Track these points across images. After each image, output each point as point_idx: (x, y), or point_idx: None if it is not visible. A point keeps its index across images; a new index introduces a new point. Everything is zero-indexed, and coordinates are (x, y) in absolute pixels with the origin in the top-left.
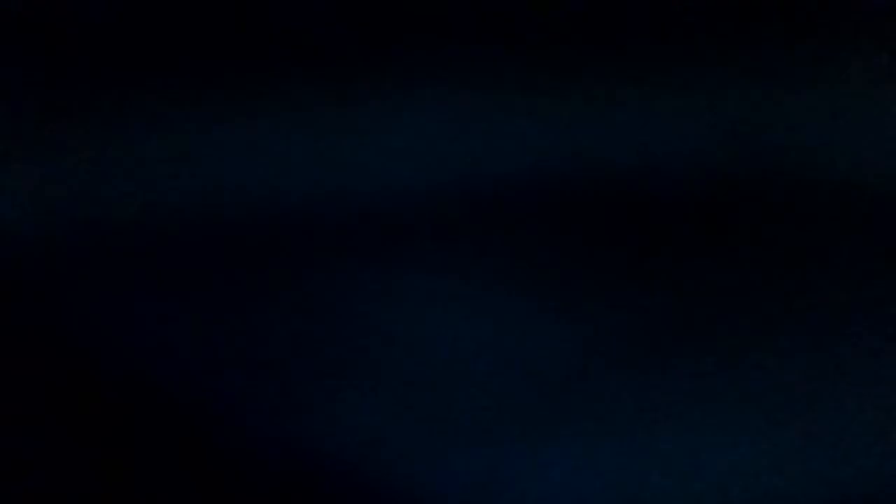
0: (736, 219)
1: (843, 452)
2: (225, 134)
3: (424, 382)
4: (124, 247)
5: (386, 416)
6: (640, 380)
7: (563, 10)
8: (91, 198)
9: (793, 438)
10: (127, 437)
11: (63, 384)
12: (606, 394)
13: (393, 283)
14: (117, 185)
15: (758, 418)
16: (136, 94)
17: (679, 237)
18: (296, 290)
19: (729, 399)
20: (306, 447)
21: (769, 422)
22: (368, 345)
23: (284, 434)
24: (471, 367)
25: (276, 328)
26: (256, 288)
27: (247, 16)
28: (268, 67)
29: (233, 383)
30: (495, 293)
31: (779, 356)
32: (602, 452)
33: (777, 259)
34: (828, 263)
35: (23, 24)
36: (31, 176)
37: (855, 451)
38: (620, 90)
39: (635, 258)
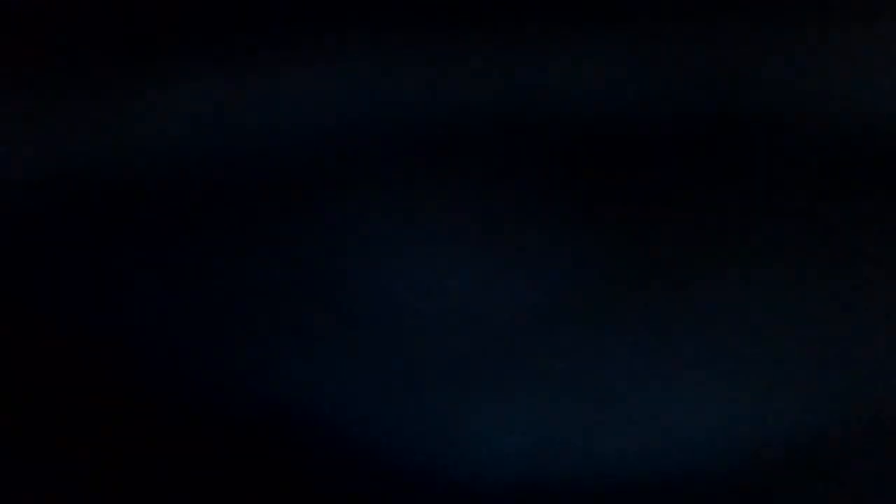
0: (715, 163)
1: (808, 405)
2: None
3: (391, 332)
4: (96, 200)
5: (352, 368)
6: (608, 329)
7: None
8: (66, 154)
9: (757, 391)
10: (100, 388)
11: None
12: (573, 344)
13: (361, 230)
14: (93, 141)
15: (722, 370)
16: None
17: (654, 181)
18: (260, 242)
19: (696, 351)
20: (275, 400)
21: (733, 374)
22: (333, 296)
23: (253, 387)
24: (437, 316)
25: (243, 280)
26: (218, 239)
27: None
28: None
29: (202, 333)
30: (466, 239)
31: (748, 309)
32: (566, 405)
33: (753, 207)
34: (804, 208)
35: None
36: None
37: (820, 400)
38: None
39: (610, 202)
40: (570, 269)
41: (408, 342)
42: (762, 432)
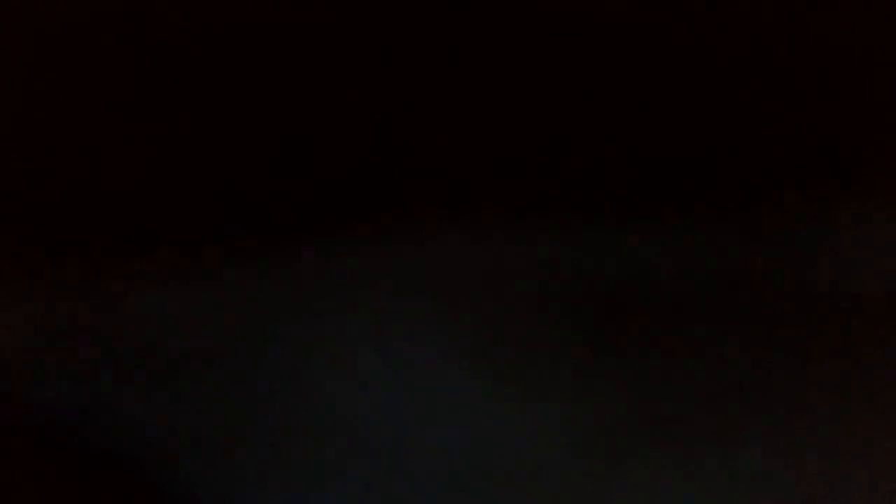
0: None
1: None
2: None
3: (395, 469)
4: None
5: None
6: (611, 476)
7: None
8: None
9: None
10: None
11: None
12: (577, 489)
13: (367, 372)
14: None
15: None
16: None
17: (653, 343)
18: (273, 383)
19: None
20: None
21: None
22: (346, 433)
23: None
24: (450, 452)
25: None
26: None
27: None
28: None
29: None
30: (470, 386)
31: (757, 470)
32: None
33: (743, 364)
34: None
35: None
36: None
37: None
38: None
39: (608, 357)
40: (580, 416)
41: (415, 478)
42: None
